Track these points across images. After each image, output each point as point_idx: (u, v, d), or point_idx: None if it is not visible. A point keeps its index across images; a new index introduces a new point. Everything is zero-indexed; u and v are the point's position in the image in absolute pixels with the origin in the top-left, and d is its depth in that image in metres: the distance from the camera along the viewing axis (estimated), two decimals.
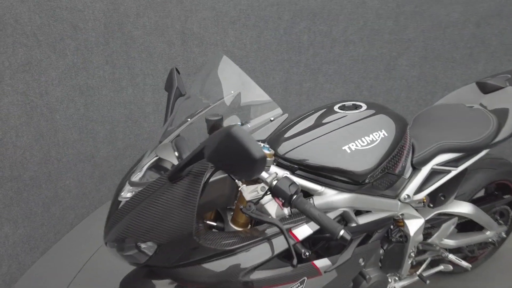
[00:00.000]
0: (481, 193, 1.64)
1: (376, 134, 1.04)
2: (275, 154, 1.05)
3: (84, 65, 2.25)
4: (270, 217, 0.94)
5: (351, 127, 1.04)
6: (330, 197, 1.02)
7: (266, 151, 0.97)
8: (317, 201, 1.01)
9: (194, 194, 0.82)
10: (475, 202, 1.61)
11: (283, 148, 1.05)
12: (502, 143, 1.26)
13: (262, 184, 0.93)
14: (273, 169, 1.00)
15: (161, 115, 2.75)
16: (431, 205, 1.33)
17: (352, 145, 1.02)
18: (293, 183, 0.80)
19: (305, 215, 0.79)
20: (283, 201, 0.79)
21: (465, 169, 1.40)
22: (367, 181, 1.01)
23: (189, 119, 1.07)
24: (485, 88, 1.35)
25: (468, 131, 1.23)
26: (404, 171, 1.15)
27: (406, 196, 1.19)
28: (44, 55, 2.04)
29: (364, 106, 1.17)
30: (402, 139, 1.10)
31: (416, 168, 1.19)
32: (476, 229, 1.56)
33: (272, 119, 1.14)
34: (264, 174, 0.84)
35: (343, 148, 1.01)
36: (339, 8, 2.83)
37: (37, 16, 1.95)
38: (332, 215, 1.05)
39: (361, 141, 1.02)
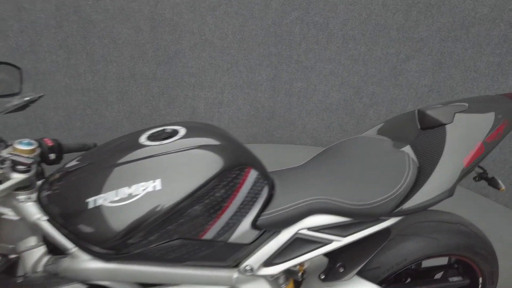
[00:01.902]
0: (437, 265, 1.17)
1: (143, 185, 0.69)
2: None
3: (31, 48, 2.11)
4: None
5: (118, 170, 0.72)
6: (82, 263, 0.71)
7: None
8: (67, 264, 0.71)
9: None
10: (399, 282, 1.16)
11: (46, 186, 0.76)
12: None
13: None
14: (29, 208, 0.72)
15: (127, 104, 2.56)
16: (322, 277, 0.94)
17: (100, 197, 0.68)
18: None
19: None
20: None
21: (388, 231, 0.97)
22: (125, 250, 0.69)
23: None
24: (423, 121, 0.90)
25: (367, 187, 0.80)
26: (231, 235, 0.78)
27: (248, 269, 0.82)
28: None
29: (181, 133, 0.81)
30: (215, 190, 0.73)
31: (267, 230, 0.82)
32: None
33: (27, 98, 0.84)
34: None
35: (87, 200, 0.69)
36: None
37: None
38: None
39: (114, 194, 0.68)
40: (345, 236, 0.86)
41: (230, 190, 0.76)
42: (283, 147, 2.93)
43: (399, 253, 0.99)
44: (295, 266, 0.91)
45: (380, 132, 1.03)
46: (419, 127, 0.93)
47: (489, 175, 0.96)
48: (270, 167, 0.94)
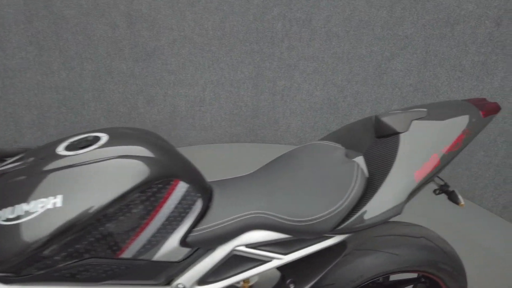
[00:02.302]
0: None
1: (42, 202, 0.63)
2: None
3: None
4: None
5: (21, 184, 0.64)
6: None
7: None
8: None
9: None
10: None
11: None
12: None
13: None
14: None
15: (104, 103, 2.49)
16: None
17: None
18: None
19: None
20: None
21: (344, 246, 0.90)
22: (26, 271, 0.62)
23: None
24: (379, 129, 0.82)
25: (309, 202, 0.73)
26: (155, 253, 0.71)
27: (181, 287, 0.76)
28: None
29: (101, 142, 0.72)
30: (131, 207, 0.66)
31: (200, 248, 0.75)
32: None
33: None
34: None
35: None
36: None
37: None
38: None
39: (11, 210, 0.61)
40: (286, 254, 0.79)
41: (151, 206, 0.69)
42: (268, 147, 2.86)
43: (355, 269, 0.93)
44: (238, 282, 0.85)
45: (337, 138, 0.95)
46: (375, 135, 0.86)
47: (450, 189, 0.89)
48: (254, 168, 0.87)
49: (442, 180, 0.92)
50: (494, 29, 1.87)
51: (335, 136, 0.96)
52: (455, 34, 2.02)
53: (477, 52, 1.96)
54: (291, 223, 0.74)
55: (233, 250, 0.77)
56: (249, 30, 2.49)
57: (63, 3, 2.12)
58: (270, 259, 0.79)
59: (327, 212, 0.73)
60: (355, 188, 0.75)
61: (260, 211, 0.75)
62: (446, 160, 0.77)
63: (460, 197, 0.87)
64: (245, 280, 0.90)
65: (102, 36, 2.30)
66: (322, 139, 0.98)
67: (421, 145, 0.77)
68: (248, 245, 0.77)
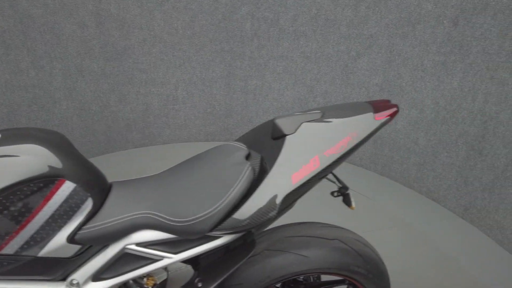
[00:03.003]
0: None
1: None
2: None
3: None
4: None
5: None
6: None
7: None
8: None
9: None
10: None
11: None
12: None
13: None
14: None
15: (76, 101, 2.52)
16: None
17: None
18: None
19: None
20: None
21: (253, 245, 0.92)
22: None
23: None
24: (273, 130, 0.82)
25: (193, 202, 0.75)
26: (41, 249, 0.73)
27: (75, 283, 0.78)
28: None
29: None
30: (9, 205, 0.67)
31: (92, 245, 0.77)
32: None
33: None
34: None
35: None
36: None
37: None
38: None
39: None
40: (176, 253, 0.81)
41: (31, 204, 0.71)
42: None
43: (262, 270, 0.94)
44: (141, 279, 0.87)
45: (246, 139, 0.96)
46: (271, 136, 0.87)
47: (347, 191, 0.89)
48: None
49: (341, 182, 0.92)
50: (452, 29, 1.85)
51: (244, 137, 0.97)
52: (416, 33, 2.00)
53: (437, 52, 1.94)
54: (172, 223, 0.76)
55: (125, 248, 0.79)
56: (219, 29, 2.50)
57: (29, 2, 2.15)
58: (160, 257, 0.80)
59: (205, 212, 0.75)
60: (236, 188, 0.76)
61: (148, 211, 0.77)
62: (326, 162, 0.77)
63: (352, 200, 0.87)
64: (149, 278, 0.91)
65: (71, 36, 2.33)
66: (235, 140, 0.99)
67: (303, 147, 0.78)
68: (138, 244, 0.79)
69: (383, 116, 0.82)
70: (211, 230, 0.77)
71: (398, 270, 1.63)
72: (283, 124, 0.81)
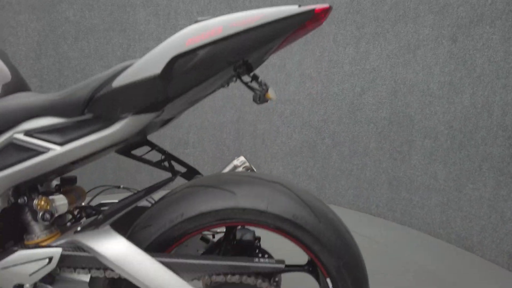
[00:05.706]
0: None
1: None
2: None
3: None
4: None
5: None
6: None
7: None
8: None
9: None
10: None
11: None
12: None
13: None
14: None
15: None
16: (79, 229, 0.74)
17: None
18: None
19: None
20: None
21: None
22: None
23: None
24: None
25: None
26: None
27: None
28: None
29: None
30: None
31: None
32: None
33: None
34: None
35: None
36: None
37: None
38: None
39: None
40: (62, 144, 0.71)
41: None
42: None
43: (176, 207, 0.75)
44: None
45: None
46: None
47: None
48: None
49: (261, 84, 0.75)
50: (452, 46, 1.78)
51: None
52: (417, 59, 1.95)
53: (442, 72, 1.83)
54: (51, 97, 0.70)
55: (12, 137, 0.72)
56: None
57: (69, 47, 2.53)
58: (46, 149, 0.71)
59: (84, 83, 0.69)
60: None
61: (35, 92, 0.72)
62: (229, 32, 0.66)
63: (272, 91, 0.71)
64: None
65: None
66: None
67: (212, 20, 0.69)
68: (27, 132, 0.71)
69: (307, 8, 0.72)
70: (90, 100, 0.68)
71: None
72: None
